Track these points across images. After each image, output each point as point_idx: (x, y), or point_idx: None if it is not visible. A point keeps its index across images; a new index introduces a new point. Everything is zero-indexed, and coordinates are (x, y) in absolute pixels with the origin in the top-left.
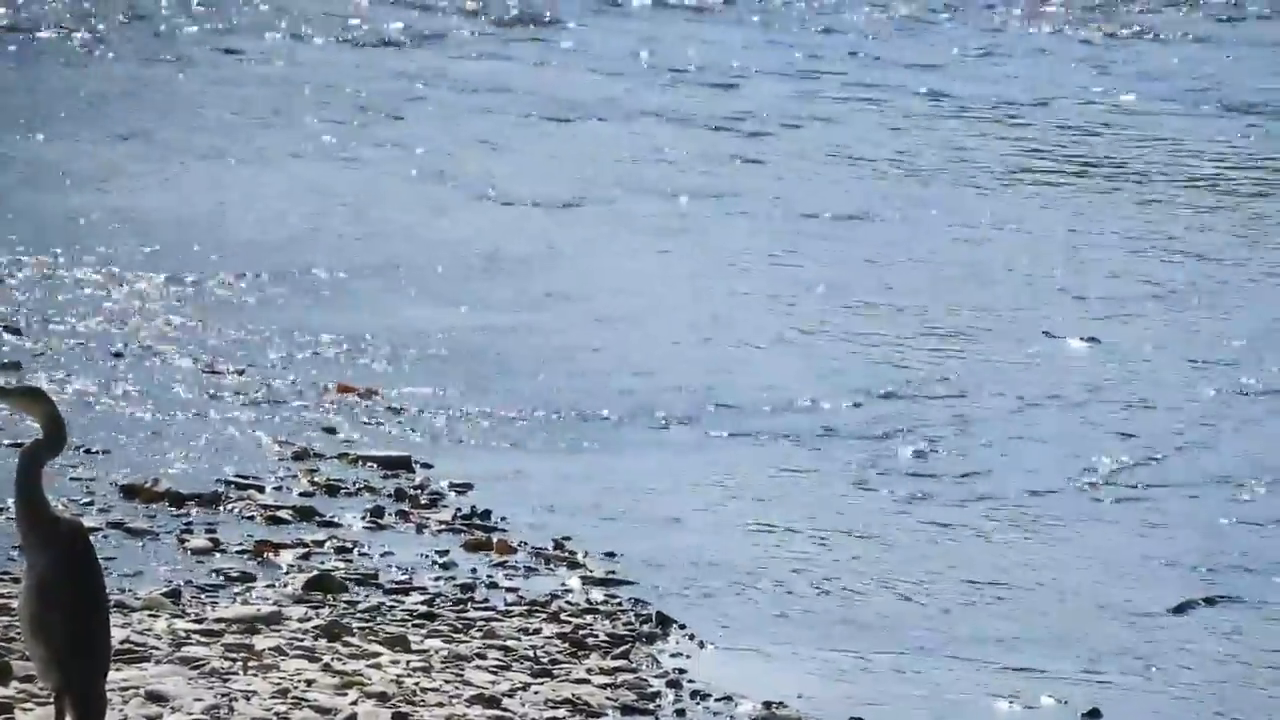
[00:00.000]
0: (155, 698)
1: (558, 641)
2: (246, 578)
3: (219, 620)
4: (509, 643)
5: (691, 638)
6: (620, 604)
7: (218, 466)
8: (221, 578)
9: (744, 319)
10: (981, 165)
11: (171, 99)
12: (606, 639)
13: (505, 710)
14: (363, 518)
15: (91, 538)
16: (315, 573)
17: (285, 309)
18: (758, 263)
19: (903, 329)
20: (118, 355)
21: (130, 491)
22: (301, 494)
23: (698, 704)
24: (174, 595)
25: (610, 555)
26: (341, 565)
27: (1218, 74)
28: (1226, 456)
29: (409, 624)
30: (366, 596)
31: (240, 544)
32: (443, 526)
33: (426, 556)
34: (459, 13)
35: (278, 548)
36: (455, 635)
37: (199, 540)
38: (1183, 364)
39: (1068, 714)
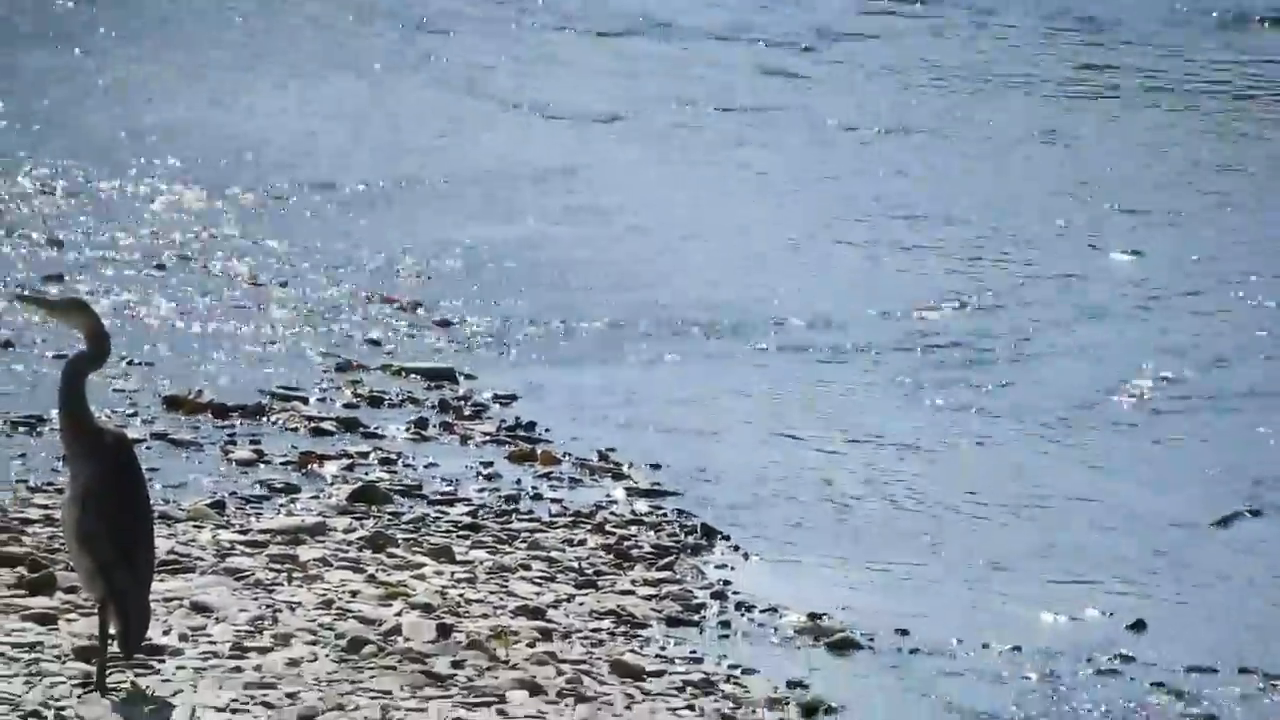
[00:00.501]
0: (200, 608)
1: (602, 553)
2: (291, 489)
3: (263, 531)
4: (553, 554)
5: (736, 549)
6: (665, 515)
7: (261, 378)
8: (266, 489)
9: (789, 233)
10: (1028, 80)
11: (217, 13)
12: (651, 550)
13: (549, 621)
14: (407, 429)
15: (135, 449)
16: (359, 484)
17: (329, 222)
18: (803, 177)
19: (947, 243)
20: (160, 268)
21: (174, 403)
22: (345, 405)
23: (742, 615)
24: (218, 506)
25: (655, 466)
26: (386, 477)
27: None
28: (1272, 369)
29: (453, 535)
30: (411, 508)
31: (284, 455)
32: (487, 438)
33: (471, 468)
34: None
35: (322, 459)
36: (499, 546)
37: (243, 452)
38: (1228, 277)
39: (1112, 626)
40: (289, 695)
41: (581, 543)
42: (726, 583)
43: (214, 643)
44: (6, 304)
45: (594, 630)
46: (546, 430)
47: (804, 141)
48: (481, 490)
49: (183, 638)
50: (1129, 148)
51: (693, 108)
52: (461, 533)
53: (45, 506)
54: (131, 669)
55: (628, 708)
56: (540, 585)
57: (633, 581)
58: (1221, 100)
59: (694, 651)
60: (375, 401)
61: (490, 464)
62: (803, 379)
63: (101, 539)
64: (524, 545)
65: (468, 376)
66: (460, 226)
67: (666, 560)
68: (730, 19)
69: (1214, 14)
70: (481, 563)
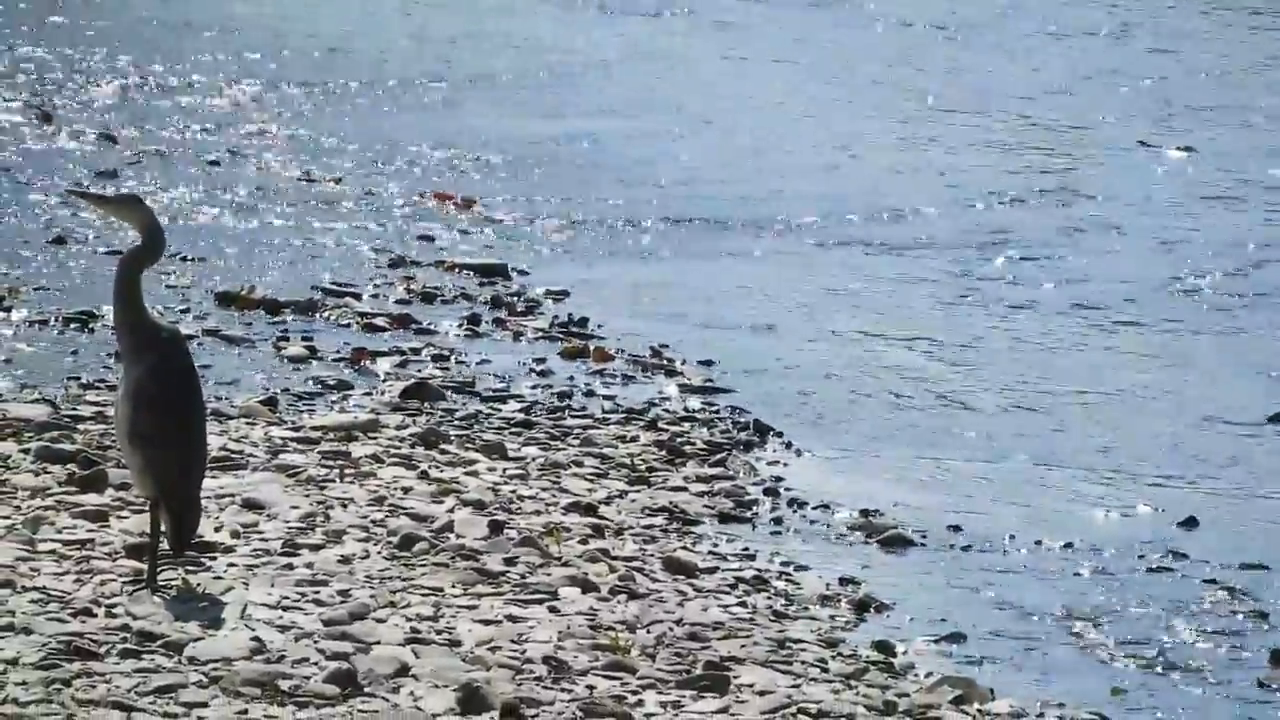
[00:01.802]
0: (252, 505)
1: (655, 449)
2: (343, 385)
3: (316, 428)
4: (606, 450)
5: (788, 446)
6: (717, 412)
7: (314, 274)
8: (318, 385)
9: (844, 127)
10: None
11: None
12: (704, 447)
13: (602, 518)
14: (459, 325)
15: (188, 345)
16: (412, 380)
17: (383, 118)
18: (858, 73)
19: (1002, 138)
20: (214, 163)
21: (226, 299)
22: (398, 301)
23: (794, 512)
24: (271, 403)
25: (707, 363)
26: (439, 373)
27: None
28: None
29: (506, 432)
30: (463, 404)
31: (337, 352)
32: (540, 334)
33: (523, 364)
34: None
35: (374, 355)
36: (552, 443)
37: (295, 348)
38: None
39: (1164, 522)
40: (340, 593)
41: (634, 439)
42: (779, 479)
43: (265, 540)
44: (60, 199)
45: (646, 527)
46: (599, 326)
47: (859, 37)
48: (534, 387)
49: (234, 535)
50: (1183, 45)
51: (748, 3)
52: (514, 429)
53: (97, 404)
54: (182, 566)
55: (680, 604)
56: (592, 482)
57: (685, 478)
58: None
59: (746, 548)
60: (428, 297)
61: (543, 360)
62: (857, 275)
63: (153, 436)
64: (576, 442)
65: (521, 272)
66: (515, 122)
67: (719, 457)
68: None
69: None
70: (534, 459)
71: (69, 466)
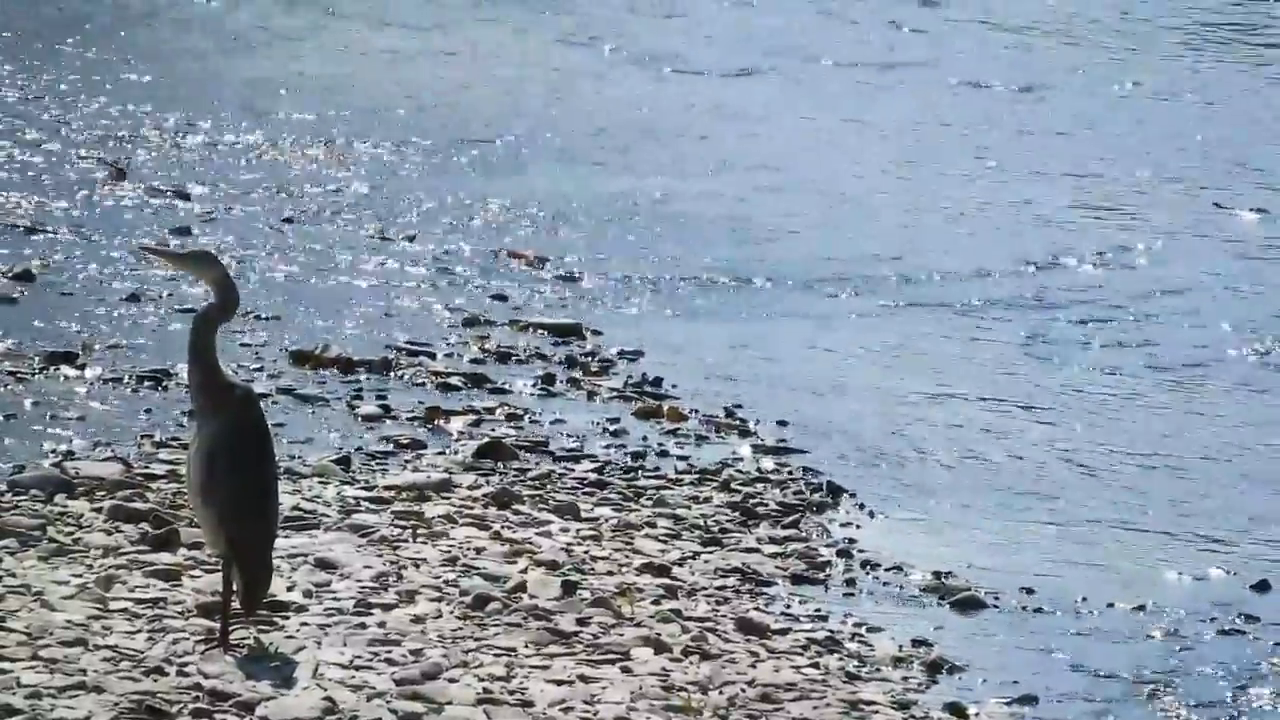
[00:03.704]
0: (324, 565)
1: (728, 510)
2: (417, 444)
3: (389, 487)
4: (679, 511)
5: (861, 507)
6: (791, 473)
7: (388, 332)
8: (391, 445)
9: (914, 189)
10: (1157, 34)
11: None
12: (777, 508)
13: (675, 579)
14: (534, 385)
15: (262, 404)
16: (486, 440)
17: (455, 176)
18: (929, 132)
19: (1073, 199)
20: (288, 221)
21: (300, 357)
22: (472, 360)
23: (868, 573)
24: (344, 462)
25: (781, 424)
26: (512, 432)
27: None
28: None
29: (579, 492)
30: (537, 464)
31: (411, 410)
32: (614, 394)
33: (597, 424)
34: None
35: (448, 414)
36: (625, 503)
37: (369, 407)
38: None
39: (1237, 585)
40: (413, 652)
41: (707, 500)
42: (852, 540)
43: (338, 599)
44: (134, 256)
45: (719, 588)
46: (673, 386)
47: (931, 97)
48: (607, 447)
49: (307, 594)
50: (1259, 104)
51: (819, 63)
52: (587, 489)
53: (170, 462)
54: (254, 625)
55: (752, 665)
56: (665, 542)
57: (758, 539)
58: None
59: (819, 609)
60: (503, 357)
61: (616, 420)
62: (929, 335)
63: (226, 495)
64: (649, 502)
65: (595, 332)
66: (588, 181)
67: (792, 518)
68: None
69: None
70: (607, 520)
71: (142, 525)
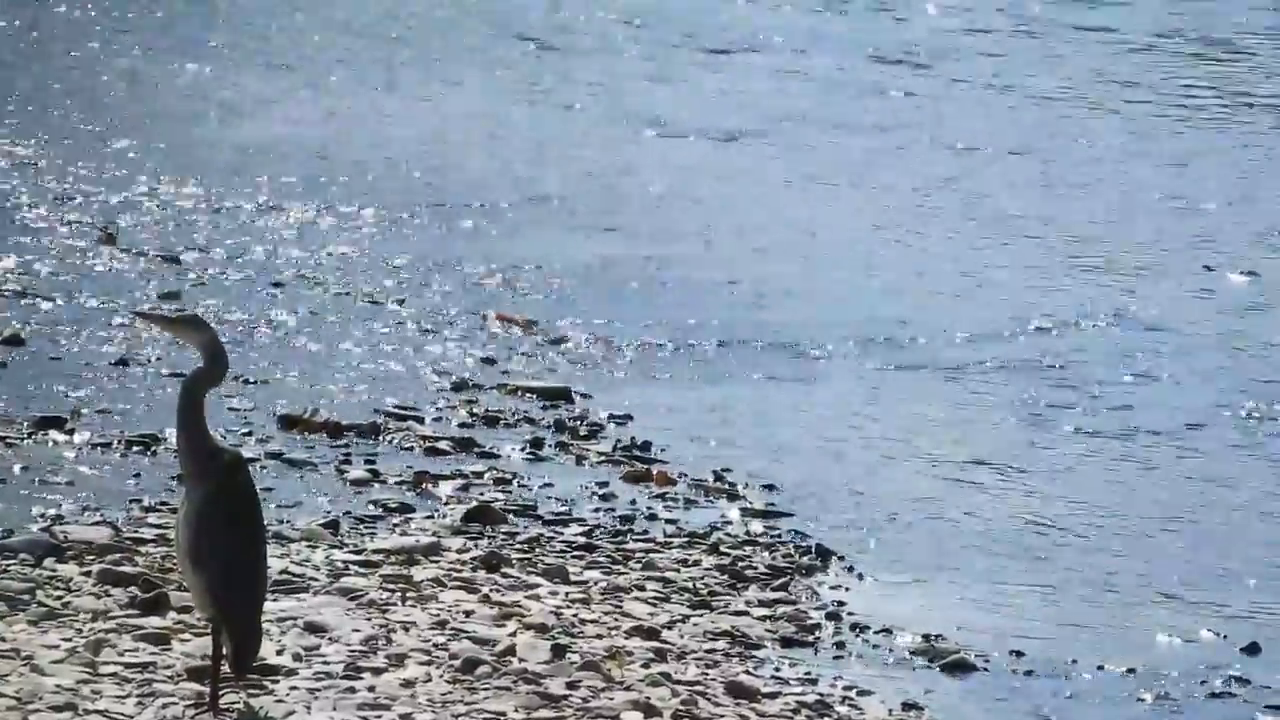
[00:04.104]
0: (313, 628)
1: (717, 573)
2: (405, 509)
3: (377, 551)
4: (668, 574)
5: (851, 570)
6: (780, 536)
7: (377, 397)
8: (380, 509)
9: (903, 252)
10: (1143, 99)
11: (331, 28)
12: (766, 571)
13: (664, 642)
14: (522, 449)
15: (250, 468)
16: (474, 504)
17: (443, 239)
18: (916, 196)
19: (1060, 262)
20: (277, 285)
21: (289, 422)
22: (461, 425)
23: (857, 636)
24: (332, 526)
25: (770, 487)
26: (501, 496)
27: None
28: None
29: (568, 555)
30: (525, 528)
31: (399, 475)
32: (602, 458)
33: (586, 488)
34: None
35: (437, 479)
36: (614, 567)
37: (358, 471)
38: None
39: (1227, 647)
40: (403, 716)
41: (696, 563)
42: (841, 603)
43: (327, 663)
44: (123, 321)
45: (708, 651)
46: (662, 450)
47: (918, 160)
48: (596, 510)
49: (296, 658)
50: (1246, 167)
51: (808, 126)
52: (576, 553)
53: (159, 526)
54: (244, 689)
55: None
56: (655, 606)
57: (747, 602)
58: None
59: (809, 672)
60: (491, 421)
61: (605, 484)
62: (917, 398)
63: (215, 559)
64: (638, 566)
65: (584, 396)
66: (575, 244)
67: (781, 581)
68: (840, 36)
69: None
70: (596, 583)
71: (131, 589)
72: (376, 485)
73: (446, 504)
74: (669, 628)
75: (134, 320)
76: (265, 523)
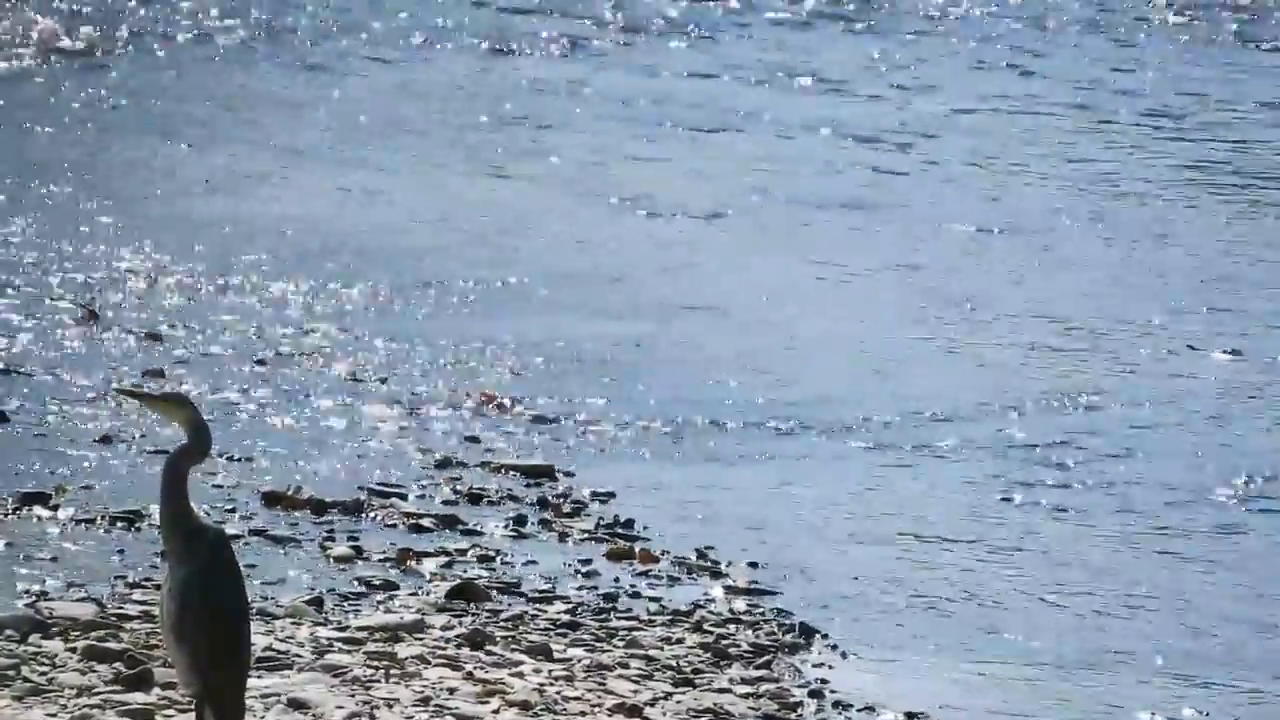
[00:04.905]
0: (297, 705)
1: (700, 651)
2: (389, 586)
3: (361, 628)
4: (651, 652)
5: (834, 648)
6: (763, 614)
7: (360, 474)
8: (364, 585)
9: (885, 331)
10: (1126, 176)
11: (313, 107)
12: (749, 648)
13: (647, 719)
14: (505, 526)
15: (234, 545)
16: (458, 581)
17: (428, 318)
18: (898, 275)
19: (1045, 340)
20: (260, 363)
21: (273, 499)
22: (444, 502)
23: (840, 714)
24: (316, 603)
25: (753, 565)
26: (484, 574)
27: None
28: None
29: (552, 633)
30: (509, 605)
31: (383, 552)
32: (585, 535)
33: (569, 565)
34: (598, 22)
35: (420, 556)
36: (598, 644)
37: (341, 548)
38: None
39: None
40: None
41: (679, 641)
42: (824, 681)
43: None
44: (107, 398)
45: None
46: (645, 528)
47: (902, 239)
48: (580, 588)
49: None
50: (1230, 247)
51: (790, 204)
52: (560, 630)
53: (143, 602)
54: None
55: None
56: (638, 683)
57: (730, 680)
58: None
59: None
60: (475, 498)
61: (589, 562)
62: (899, 477)
63: (199, 635)
64: (622, 643)
65: (567, 474)
66: (558, 323)
67: (764, 659)
68: (825, 115)
69: None
70: (579, 660)
71: (116, 665)
72: (360, 562)
73: (430, 581)
74: (652, 705)
75: (117, 397)
76: (249, 599)
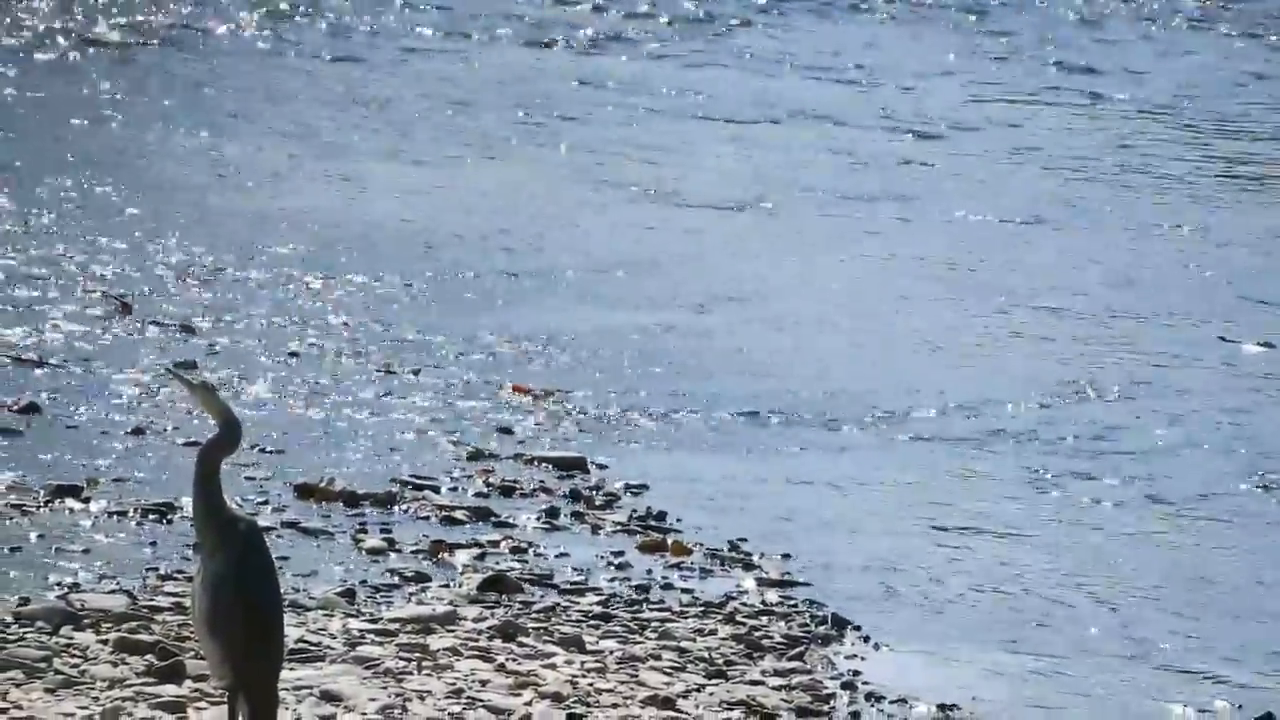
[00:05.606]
0: (329, 697)
1: (733, 643)
2: (421, 578)
3: (394, 620)
4: (684, 644)
5: (866, 639)
6: (795, 605)
7: (393, 466)
8: (396, 577)
9: (916, 323)
10: (1158, 168)
11: (347, 98)
12: (782, 640)
13: (679, 711)
14: (538, 518)
15: (266, 537)
16: (490, 573)
17: (461, 309)
18: (932, 266)
19: (1077, 331)
20: (293, 355)
21: (305, 491)
22: (477, 494)
23: (872, 706)
24: (349, 595)
25: (786, 556)
26: (517, 566)
27: None
28: None
29: (584, 624)
30: (542, 597)
31: (415, 544)
32: (618, 527)
33: (602, 557)
34: (630, 15)
35: (453, 548)
36: (630, 636)
37: (374, 540)
38: None
39: (1241, 718)
40: None
41: (712, 633)
42: (856, 673)
43: None
44: (138, 390)
45: None
46: (678, 520)
47: (933, 230)
48: (612, 580)
49: None
50: (1262, 239)
51: (821, 196)
52: (592, 622)
53: (175, 594)
54: None
55: None
56: (670, 675)
57: (763, 672)
58: None
59: None
60: (507, 490)
61: (621, 554)
62: (932, 467)
63: (231, 627)
64: (654, 635)
65: (600, 466)
66: (590, 314)
67: (797, 650)
68: (852, 107)
69: None
70: (612, 652)
71: (147, 657)
72: (392, 554)
73: (462, 573)
74: (684, 697)
75: (166, 374)
76: (281, 591)
